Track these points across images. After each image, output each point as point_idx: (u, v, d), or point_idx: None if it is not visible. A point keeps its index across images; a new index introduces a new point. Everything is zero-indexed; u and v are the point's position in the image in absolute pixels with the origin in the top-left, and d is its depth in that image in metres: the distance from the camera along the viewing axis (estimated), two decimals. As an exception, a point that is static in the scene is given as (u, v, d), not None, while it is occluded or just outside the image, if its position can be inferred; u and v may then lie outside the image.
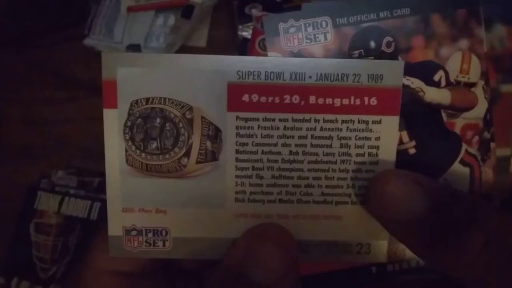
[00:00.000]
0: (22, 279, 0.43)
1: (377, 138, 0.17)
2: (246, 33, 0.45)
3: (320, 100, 0.17)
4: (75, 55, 0.47)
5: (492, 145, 0.19)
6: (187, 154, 0.17)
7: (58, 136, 0.47)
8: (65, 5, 0.47)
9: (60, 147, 0.47)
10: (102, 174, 0.45)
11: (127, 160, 0.17)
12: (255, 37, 0.44)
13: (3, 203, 0.45)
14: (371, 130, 0.17)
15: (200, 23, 0.47)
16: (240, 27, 0.45)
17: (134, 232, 0.18)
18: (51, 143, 0.47)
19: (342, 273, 0.19)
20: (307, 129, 0.17)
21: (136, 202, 0.17)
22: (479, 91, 0.19)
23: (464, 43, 0.18)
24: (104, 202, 0.44)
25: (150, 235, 0.18)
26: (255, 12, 0.44)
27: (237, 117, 0.17)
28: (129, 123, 0.17)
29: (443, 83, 0.18)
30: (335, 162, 0.17)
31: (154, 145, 0.17)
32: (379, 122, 0.17)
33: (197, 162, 0.17)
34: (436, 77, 0.18)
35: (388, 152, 0.17)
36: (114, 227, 0.18)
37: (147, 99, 0.17)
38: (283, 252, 0.15)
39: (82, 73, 0.47)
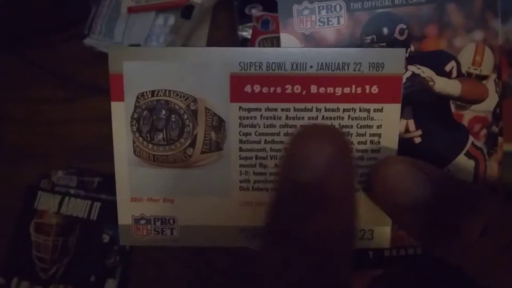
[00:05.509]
0: (22, 279, 0.43)
1: (379, 126, 0.17)
2: (246, 33, 0.45)
3: (322, 90, 0.17)
4: (75, 55, 0.47)
5: (500, 139, 0.19)
6: (192, 144, 0.17)
7: (58, 136, 0.47)
8: (65, 5, 0.47)
9: (60, 147, 0.47)
10: (102, 174, 0.45)
11: (134, 151, 0.17)
12: (255, 37, 0.44)
13: (3, 203, 0.45)
14: (372, 118, 0.17)
15: (200, 23, 0.47)
16: (240, 27, 0.45)
17: (143, 221, 0.18)
18: (51, 143, 0.47)
19: None
20: (309, 118, 0.17)
21: (144, 191, 0.18)
22: (490, 84, 0.18)
23: (478, 34, 0.18)
24: (104, 202, 0.44)
25: (158, 223, 0.18)
26: (255, 12, 0.44)
27: (240, 108, 0.17)
28: (136, 115, 0.17)
29: (454, 74, 0.18)
30: None
31: (160, 136, 0.17)
32: (381, 110, 0.17)
33: (202, 152, 0.17)
34: (447, 68, 0.18)
35: (390, 140, 0.17)
36: (124, 216, 0.18)
37: (153, 92, 0.17)
38: (324, 148, 0.12)
39: (82, 73, 0.47)
